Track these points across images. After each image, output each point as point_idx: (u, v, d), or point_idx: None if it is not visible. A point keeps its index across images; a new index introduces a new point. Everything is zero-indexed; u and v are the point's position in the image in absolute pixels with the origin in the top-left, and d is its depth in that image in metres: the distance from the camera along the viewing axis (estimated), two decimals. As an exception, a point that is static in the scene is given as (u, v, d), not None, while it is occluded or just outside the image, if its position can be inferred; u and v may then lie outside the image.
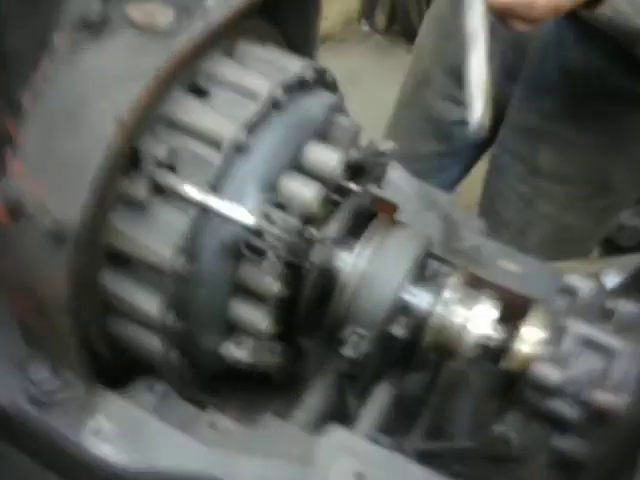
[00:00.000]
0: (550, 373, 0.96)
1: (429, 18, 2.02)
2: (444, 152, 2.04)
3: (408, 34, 4.01)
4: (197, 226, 0.93)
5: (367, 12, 4.61)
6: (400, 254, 1.04)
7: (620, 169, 1.77)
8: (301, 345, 1.19)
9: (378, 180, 1.16)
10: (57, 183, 0.88)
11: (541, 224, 1.88)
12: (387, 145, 1.11)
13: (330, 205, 1.04)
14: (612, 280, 1.23)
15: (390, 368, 1.14)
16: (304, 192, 0.97)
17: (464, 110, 1.28)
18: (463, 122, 1.30)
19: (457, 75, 1.63)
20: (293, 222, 0.92)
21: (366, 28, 4.62)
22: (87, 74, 0.90)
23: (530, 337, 1.01)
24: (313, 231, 0.98)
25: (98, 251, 0.95)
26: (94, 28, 0.92)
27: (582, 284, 1.06)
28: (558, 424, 0.99)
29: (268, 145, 0.97)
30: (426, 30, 2.01)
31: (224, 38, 1.02)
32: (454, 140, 1.98)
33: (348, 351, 1.01)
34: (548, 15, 1.33)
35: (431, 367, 1.18)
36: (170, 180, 0.92)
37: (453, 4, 1.70)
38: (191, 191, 0.91)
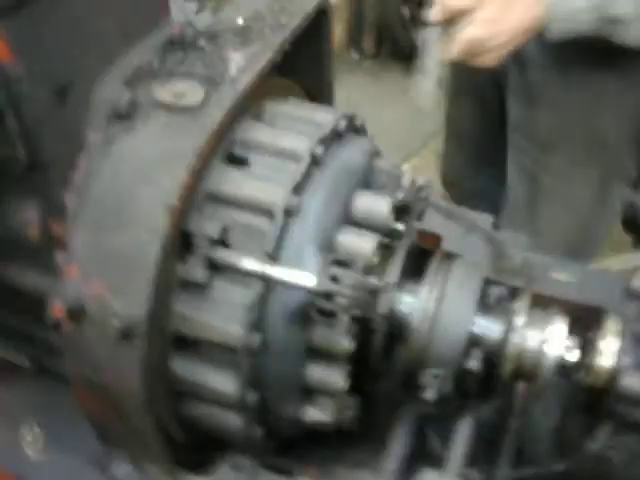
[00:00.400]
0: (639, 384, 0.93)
1: None
2: None
3: (398, 56, 4.03)
4: (262, 298, 0.91)
5: (354, 40, 4.63)
6: (464, 289, 1.02)
7: (610, 124, 1.78)
8: (373, 392, 1.17)
9: (421, 215, 1.14)
10: (117, 281, 0.86)
11: (547, 200, 1.89)
12: (425, 179, 1.09)
13: (384, 250, 1.03)
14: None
15: (468, 401, 1.12)
16: (363, 245, 0.96)
17: None
18: None
19: None
20: (358, 278, 0.91)
21: (356, 56, 4.63)
22: (127, 164, 0.89)
23: (609, 349, 0.99)
24: (376, 281, 0.96)
25: (166, 340, 0.93)
26: (126, 117, 0.91)
27: (651, 286, 1.04)
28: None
29: (318, 204, 0.95)
30: None
31: (251, 102, 1.01)
32: None
33: (430, 394, 0.99)
34: (512, 43, 1.47)
35: (505, 392, 1.16)
36: (227, 256, 0.90)
37: None
38: (250, 264, 0.89)
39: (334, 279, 0.88)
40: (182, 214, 0.88)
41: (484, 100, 2.03)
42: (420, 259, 1.11)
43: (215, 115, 0.90)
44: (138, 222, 0.86)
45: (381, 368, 1.08)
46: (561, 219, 1.92)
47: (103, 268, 0.87)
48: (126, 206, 0.87)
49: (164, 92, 0.93)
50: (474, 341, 1.01)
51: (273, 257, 0.91)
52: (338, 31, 4.44)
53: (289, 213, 0.92)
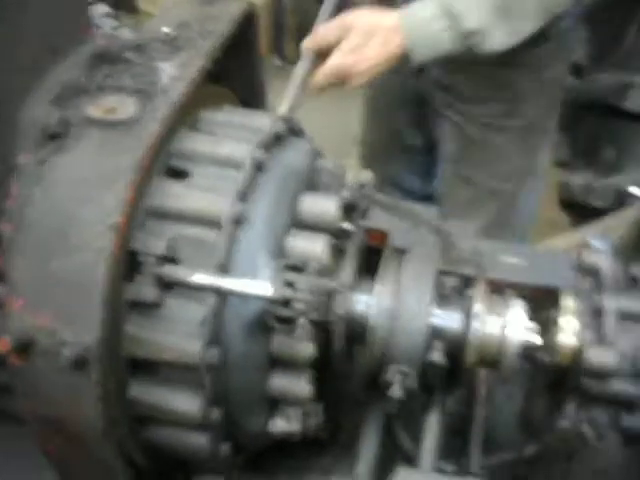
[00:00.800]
0: (604, 356, 0.94)
1: None
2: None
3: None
4: (217, 311, 0.89)
5: (276, 46, 4.62)
6: (419, 282, 1.01)
7: (523, 81, 1.90)
8: (338, 395, 1.16)
9: (366, 212, 1.13)
10: (64, 308, 0.83)
11: (471, 148, 2.02)
12: (367, 176, 1.08)
13: (335, 251, 1.01)
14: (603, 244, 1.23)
15: (434, 394, 1.11)
16: (314, 248, 0.94)
17: None
18: None
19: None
20: (313, 281, 0.89)
21: (278, 62, 4.63)
22: (63, 186, 0.86)
23: (570, 326, 0.99)
24: (331, 283, 0.94)
25: (122, 364, 0.89)
26: (57, 137, 0.87)
27: (601, 259, 1.04)
28: (623, 404, 0.97)
29: (265, 210, 0.93)
30: None
31: (186, 112, 0.98)
32: None
33: (396, 392, 0.98)
34: (376, 68, 1.58)
35: (468, 381, 1.16)
36: (176, 273, 0.87)
37: None
38: (201, 278, 0.86)
39: (289, 285, 0.86)
40: (127, 232, 0.85)
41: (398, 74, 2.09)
42: (370, 257, 1.10)
43: (151, 127, 0.87)
44: (81, 244, 0.82)
45: (344, 370, 1.07)
46: (487, 166, 2.04)
47: (49, 296, 0.83)
48: (67, 229, 0.83)
49: (95, 108, 0.90)
50: (435, 333, 1.00)
51: (224, 268, 0.89)
52: (260, 39, 4.42)
53: (236, 222, 0.90)
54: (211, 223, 0.90)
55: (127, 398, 0.92)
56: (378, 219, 1.27)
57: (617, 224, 1.78)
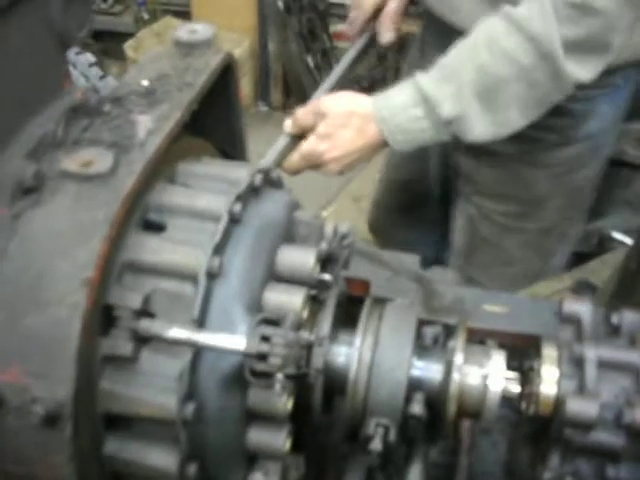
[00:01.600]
0: (586, 407, 0.93)
1: None
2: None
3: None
4: (192, 366, 0.87)
5: (262, 93, 4.66)
6: (399, 332, 1.00)
7: (545, 184, 1.82)
8: (318, 447, 1.14)
9: (347, 262, 1.13)
10: (36, 364, 0.81)
11: (483, 248, 1.94)
12: (347, 226, 1.08)
13: (313, 303, 1.00)
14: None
15: (416, 445, 1.10)
16: (291, 301, 0.93)
17: None
18: None
19: None
20: (289, 335, 0.88)
21: (264, 108, 4.67)
22: (38, 240, 0.85)
23: (551, 376, 0.98)
24: (308, 336, 0.93)
25: (96, 420, 0.88)
26: (32, 191, 0.87)
27: (582, 307, 1.04)
28: (607, 454, 0.96)
29: (241, 263, 0.93)
30: None
31: (163, 165, 0.98)
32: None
33: (376, 445, 0.96)
34: (350, 156, 1.57)
35: (451, 431, 1.14)
36: (152, 327, 0.86)
37: None
38: (177, 333, 0.85)
39: (264, 339, 0.85)
40: (101, 287, 0.84)
41: (426, 150, 2.06)
42: (351, 307, 1.10)
43: (126, 181, 0.87)
44: (55, 300, 0.81)
45: (324, 422, 1.05)
46: (495, 269, 1.95)
47: (20, 352, 0.81)
48: (41, 284, 0.82)
49: (71, 162, 0.89)
50: (415, 385, 0.99)
51: (199, 323, 0.88)
52: (245, 84, 4.48)
53: (212, 275, 0.89)
54: (186, 277, 0.89)
55: (102, 455, 0.91)
56: (359, 268, 1.27)
57: (600, 268, 1.79)
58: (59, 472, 0.84)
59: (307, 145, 1.56)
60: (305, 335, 0.93)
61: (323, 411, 1.01)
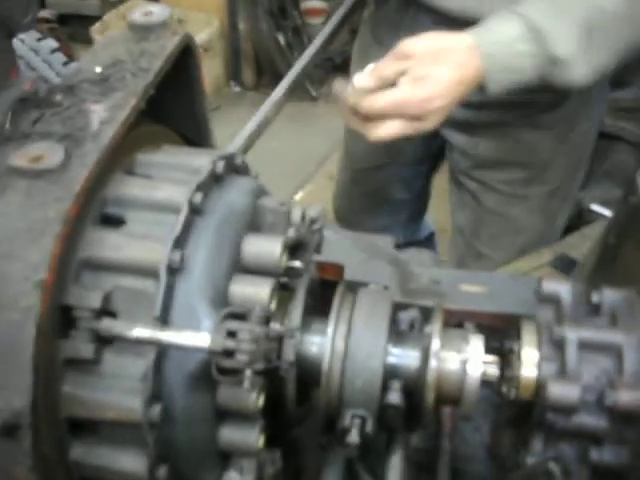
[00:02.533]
0: (568, 390, 0.90)
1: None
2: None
3: (278, 83, 4.03)
4: (157, 366, 0.84)
5: (234, 73, 4.60)
6: (373, 318, 0.97)
7: (548, 145, 1.79)
8: (294, 439, 1.11)
9: (318, 247, 1.09)
10: (-10, 374, 0.77)
11: (489, 221, 1.89)
12: (317, 210, 1.04)
13: (283, 292, 0.97)
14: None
15: (396, 433, 1.07)
16: (258, 293, 0.90)
17: None
18: None
19: None
20: (257, 330, 0.84)
21: (236, 89, 4.61)
22: (-13, 243, 0.80)
23: (532, 359, 0.95)
24: (278, 328, 0.90)
25: (60, 427, 0.84)
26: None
27: (562, 287, 1.01)
28: (590, 437, 0.93)
29: (204, 256, 0.88)
30: None
31: (120, 156, 0.94)
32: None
33: (354, 437, 0.93)
34: (448, 101, 1.34)
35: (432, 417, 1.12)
36: (113, 327, 0.82)
37: None
38: (139, 332, 0.81)
39: (231, 334, 0.81)
40: (56, 288, 0.80)
41: None
42: (325, 292, 1.06)
43: (78, 175, 0.83)
44: (7, 304, 0.77)
45: (299, 414, 1.02)
46: (503, 240, 1.92)
47: (-28, 362, 0.77)
48: (-9, 289, 0.78)
49: (20, 157, 0.85)
50: (391, 373, 0.96)
51: (162, 320, 0.84)
52: (216, 65, 4.41)
53: (173, 270, 0.85)
54: (148, 273, 0.85)
55: (68, 461, 0.87)
56: (332, 252, 1.24)
57: (580, 242, 1.76)
58: (23, 485, 0.80)
59: (400, 93, 1.32)
60: (275, 327, 0.90)
61: (298, 404, 0.98)
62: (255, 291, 0.90)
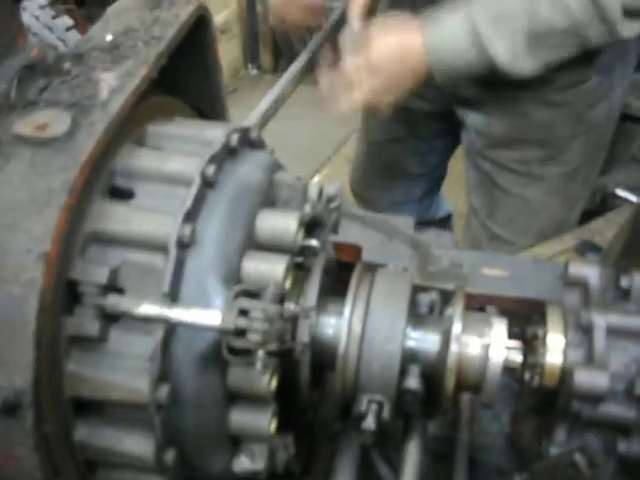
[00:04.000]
0: (596, 378, 0.86)
1: None
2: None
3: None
4: (165, 344, 0.80)
5: (251, 56, 4.55)
6: (391, 301, 0.93)
7: (564, 124, 1.76)
8: (309, 424, 1.08)
9: (335, 226, 1.05)
10: (-8, 350, 0.74)
11: (505, 202, 1.87)
12: (335, 187, 1.00)
13: (298, 271, 0.93)
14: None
15: (413, 420, 1.03)
16: (272, 270, 0.86)
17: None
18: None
19: None
20: (270, 308, 0.80)
21: (254, 72, 4.56)
22: (-10, 213, 0.77)
23: (558, 345, 0.91)
24: (292, 308, 0.86)
25: (64, 406, 0.81)
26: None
27: (589, 270, 0.96)
28: (618, 428, 0.89)
29: (216, 231, 0.85)
30: None
31: (130, 126, 0.90)
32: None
33: (370, 423, 0.89)
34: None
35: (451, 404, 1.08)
36: (120, 303, 0.78)
37: None
38: (147, 309, 0.77)
39: (243, 313, 0.77)
40: (61, 261, 0.76)
41: (406, 110, 1.98)
42: (341, 273, 1.02)
43: (85, 144, 0.79)
44: (8, 277, 0.74)
45: (313, 399, 0.98)
46: (519, 222, 1.88)
47: (-28, 336, 0.74)
48: (-7, 261, 0.75)
49: (25, 125, 0.81)
50: (410, 357, 0.92)
51: (172, 297, 0.80)
52: (234, 48, 4.37)
53: (183, 245, 0.81)
54: (157, 247, 0.82)
55: (74, 442, 0.84)
56: (350, 232, 1.20)
57: (604, 228, 1.71)
58: (24, 464, 0.77)
59: (364, 95, 1.55)
60: (289, 307, 0.86)
61: (312, 387, 0.94)
62: (269, 268, 0.86)
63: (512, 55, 1.48)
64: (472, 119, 1.84)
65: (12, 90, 0.85)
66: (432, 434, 1.15)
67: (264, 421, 0.87)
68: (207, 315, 0.77)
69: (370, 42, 1.54)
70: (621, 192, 2.26)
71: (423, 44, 1.51)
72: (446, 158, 2.28)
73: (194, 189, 0.84)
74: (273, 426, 0.88)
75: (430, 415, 1.03)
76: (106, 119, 0.82)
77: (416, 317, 0.95)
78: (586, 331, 0.90)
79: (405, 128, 2.10)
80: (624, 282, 0.95)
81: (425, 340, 0.93)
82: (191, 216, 0.83)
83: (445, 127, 2.07)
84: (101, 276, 0.80)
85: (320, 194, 0.97)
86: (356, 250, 1.18)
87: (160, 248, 0.82)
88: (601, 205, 2.24)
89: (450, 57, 1.51)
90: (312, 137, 3.63)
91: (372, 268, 1.01)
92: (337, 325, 0.91)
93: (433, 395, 0.95)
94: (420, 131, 2.10)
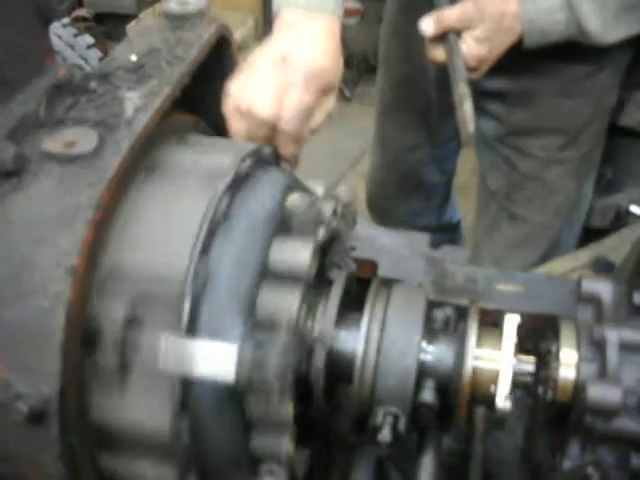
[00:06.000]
0: (609, 393, 0.87)
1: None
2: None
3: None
4: (187, 379, 0.82)
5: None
6: (407, 316, 0.95)
7: (585, 112, 1.83)
8: (324, 437, 1.09)
9: (353, 221, 1.06)
10: (19, 359, 0.76)
11: (525, 185, 1.92)
12: (348, 193, 1.02)
13: (315, 294, 0.95)
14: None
15: (428, 433, 1.05)
16: (288, 303, 0.87)
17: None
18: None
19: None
20: (287, 341, 0.82)
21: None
22: (19, 226, 0.79)
23: (571, 360, 0.93)
24: (309, 336, 0.89)
25: (89, 429, 0.83)
26: (12, 174, 0.81)
27: (602, 286, 0.98)
28: (632, 442, 0.90)
29: (230, 263, 0.85)
30: None
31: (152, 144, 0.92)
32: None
33: (386, 436, 0.91)
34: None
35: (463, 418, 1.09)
36: (140, 340, 0.81)
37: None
38: (167, 345, 0.80)
39: (259, 346, 0.79)
40: (86, 276, 0.78)
41: (421, 114, 2.00)
42: (358, 289, 1.04)
43: (112, 161, 0.82)
44: (36, 289, 0.76)
45: (328, 412, 1.00)
46: (539, 202, 1.94)
47: (1, 346, 0.76)
48: (22, 273, 0.77)
49: (53, 142, 0.84)
50: (425, 371, 0.94)
51: (189, 331, 0.81)
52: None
53: (198, 280, 0.82)
54: (172, 282, 0.83)
55: (97, 467, 0.86)
56: (366, 248, 1.22)
57: (618, 244, 1.72)
58: (48, 472, 0.79)
59: (467, 49, 1.57)
60: (304, 338, 0.89)
61: (327, 399, 0.96)
62: (284, 299, 0.87)
63: (602, 26, 1.53)
64: (492, 108, 1.88)
65: (41, 109, 0.88)
66: (447, 448, 1.16)
67: (283, 444, 0.88)
68: (224, 349, 0.79)
69: (478, 10, 1.55)
70: (635, 209, 2.27)
71: (520, 13, 1.54)
72: (456, 163, 2.32)
73: (206, 224, 0.85)
74: (292, 448, 0.89)
75: (445, 429, 1.05)
76: (131, 137, 0.85)
77: (431, 332, 0.97)
78: (599, 346, 0.92)
79: (421, 134, 2.13)
80: (637, 298, 0.96)
81: (440, 354, 0.95)
82: (205, 250, 0.84)
83: (456, 124, 2.10)
84: (119, 311, 0.81)
85: (335, 211, 0.98)
86: (372, 266, 1.20)
87: (176, 282, 0.83)
88: (615, 222, 2.25)
89: (544, 26, 1.54)
90: (327, 153, 3.66)
91: (388, 283, 1.03)
92: (354, 339, 0.93)
93: (448, 409, 0.97)
94: (435, 135, 2.12)
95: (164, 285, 0.83)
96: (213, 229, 0.86)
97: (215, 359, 0.79)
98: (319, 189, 1.02)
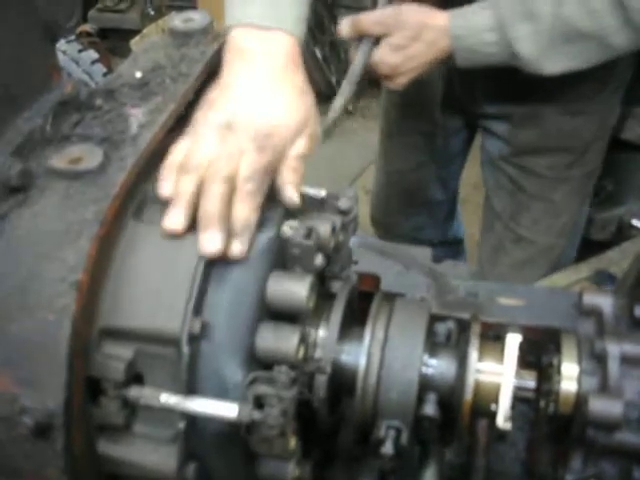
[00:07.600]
0: (610, 406, 0.88)
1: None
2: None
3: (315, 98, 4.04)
4: (190, 427, 0.83)
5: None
6: (410, 330, 0.96)
7: (590, 130, 1.81)
8: (328, 450, 1.10)
9: (354, 229, 1.06)
10: (24, 372, 0.77)
11: (531, 205, 1.91)
12: (349, 199, 1.02)
13: (322, 300, 0.96)
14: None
15: (430, 446, 1.05)
16: (286, 347, 0.87)
17: None
18: None
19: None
20: (286, 394, 0.82)
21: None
22: (25, 241, 0.80)
23: (572, 373, 0.93)
24: (309, 368, 0.90)
25: (90, 429, 0.84)
26: (19, 190, 0.83)
27: (603, 300, 0.99)
28: (633, 455, 0.91)
29: (225, 316, 0.85)
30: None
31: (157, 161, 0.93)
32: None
33: (388, 449, 0.91)
34: (419, 69, 1.57)
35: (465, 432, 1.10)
36: (142, 396, 0.81)
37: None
38: (168, 401, 0.81)
39: (259, 401, 0.81)
40: (91, 291, 0.79)
41: (426, 136, 2.01)
42: (361, 302, 1.05)
43: (117, 177, 0.83)
44: (43, 304, 0.77)
45: (330, 427, 1.01)
46: (543, 223, 1.93)
47: (7, 360, 0.77)
48: (28, 288, 0.78)
49: (59, 159, 0.85)
50: (427, 385, 0.94)
51: (189, 386, 0.82)
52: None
53: (193, 338, 0.82)
54: (168, 341, 0.83)
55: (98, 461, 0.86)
56: (369, 263, 1.23)
57: (619, 258, 1.73)
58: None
59: (381, 55, 1.55)
60: (307, 361, 0.90)
61: (330, 413, 0.96)
62: (283, 340, 0.87)
63: (536, 52, 1.49)
64: (497, 128, 1.88)
65: (47, 125, 0.89)
66: (449, 460, 1.17)
67: (288, 472, 0.89)
68: (224, 407, 0.80)
69: (397, 17, 1.53)
70: (637, 222, 2.28)
71: (448, 28, 1.52)
72: (460, 179, 2.32)
73: (197, 282, 0.84)
74: (297, 472, 0.90)
75: (447, 442, 1.05)
76: (136, 153, 0.86)
77: (433, 345, 0.98)
78: (600, 359, 0.92)
79: (426, 154, 2.12)
80: (638, 311, 0.97)
81: (442, 368, 0.96)
82: (198, 307, 0.83)
83: (460, 144, 2.12)
84: (119, 372, 0.81)
85: (333, 228, 0.98)
86: (375, 280, 1.21)
87: (172, 341, 0.83)
88: (617, 235, 2.25)
89: (473, 44, 1.51)
90: (330, 167, 3.67)
91: (390, 297, 1.04)
92: (357, 353, 0.94)
93: (450, 422, 0.97)
94: (438, 154, 2.13)
95: (160, 345, 0.83)
96: (208, 272, 0.85)
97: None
98: (322, 194, 1.02)
